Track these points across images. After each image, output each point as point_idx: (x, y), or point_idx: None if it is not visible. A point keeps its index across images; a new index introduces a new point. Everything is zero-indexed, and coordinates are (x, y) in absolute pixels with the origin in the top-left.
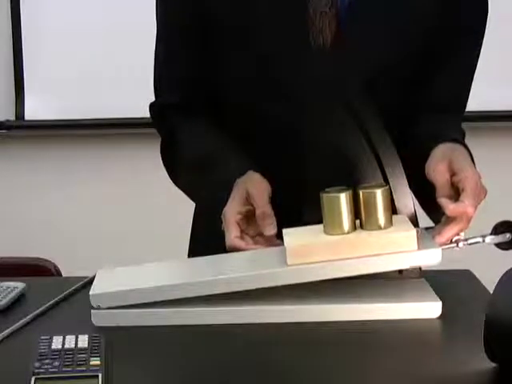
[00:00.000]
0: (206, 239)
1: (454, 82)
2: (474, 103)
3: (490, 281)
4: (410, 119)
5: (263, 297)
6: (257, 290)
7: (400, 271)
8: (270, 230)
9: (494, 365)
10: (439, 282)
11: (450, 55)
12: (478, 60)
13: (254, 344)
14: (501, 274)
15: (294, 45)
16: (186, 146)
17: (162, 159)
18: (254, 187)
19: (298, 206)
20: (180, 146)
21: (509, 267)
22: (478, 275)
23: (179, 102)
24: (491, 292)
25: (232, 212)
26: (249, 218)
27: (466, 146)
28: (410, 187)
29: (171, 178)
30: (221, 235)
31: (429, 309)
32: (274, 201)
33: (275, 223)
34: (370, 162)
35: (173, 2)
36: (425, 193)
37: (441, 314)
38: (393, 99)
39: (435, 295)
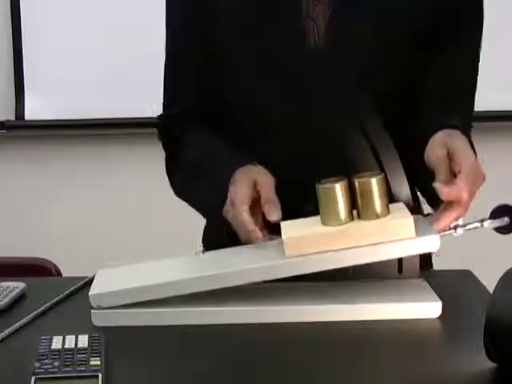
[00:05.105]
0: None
1: (455, 75)
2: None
3: (490, 281)
4: (412, 115)
5: (263, 297)
6: (257, 289)
7: (400, 271)
8: (275, 215)
9: (494, 365)
10: (439, 281)
11: (448, 47)
12: (479, 50)
13: (254, 344)
14: (501, 274)
15: (290, 44)
16: (186, 157)
17: (167, 172)
18: (261, 176)
19: (298, 206)
20: (181, 158)
21: (509, 267)
22: (477, 275)
23: (180, 113)
24: (491, 292)
25: (244, 194)
26: (253, 206)
27: (465, 132)
28: (416, 185)
29: (176, 192)
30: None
31: (429, 309)
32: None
33: (280, 211)
34: (368, 157)
35: (177, 10)
36: (430, 189)
37: (441, 314)
38: (392, 94)
39: (435, 295)
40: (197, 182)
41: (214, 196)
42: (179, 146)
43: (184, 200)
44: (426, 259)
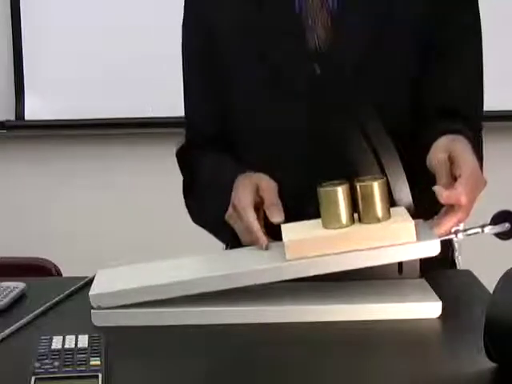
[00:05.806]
0: None
1: (456, 78)
2: None
3: (490, 281)
4: (413, 117)
5: (263, 297)
6: (257, 289)
7: (400, 271)
8: (278, 216)
9: (494, 365)
10: (439, 282)
11: (449, 50)
12: (481, 51)
13: (254, 344)
14: (501, 274)
15: (290, 45)
16: (198, 180)
17: (185, 200)
18: (264, 181)
19: (299, 209)
20: (194, 183)
21: (509, 267)
22: (477, 275)
23: (191, 140)
24: (491, 292)
25: (247, 199)
26: (256, 210)
27: (470, 137)
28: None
29: (193, 219)
30: None
31: (429, 309)
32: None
33: (283, 213)
34: (369, 159)
35: (186, 38)
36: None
37: (441, 314)
38: (392, 96)
39: (435, 295)
40: (208, 200)
41: (217, 201)
42: (193, 174)
43: (202, 226)
44: (449, 260)
